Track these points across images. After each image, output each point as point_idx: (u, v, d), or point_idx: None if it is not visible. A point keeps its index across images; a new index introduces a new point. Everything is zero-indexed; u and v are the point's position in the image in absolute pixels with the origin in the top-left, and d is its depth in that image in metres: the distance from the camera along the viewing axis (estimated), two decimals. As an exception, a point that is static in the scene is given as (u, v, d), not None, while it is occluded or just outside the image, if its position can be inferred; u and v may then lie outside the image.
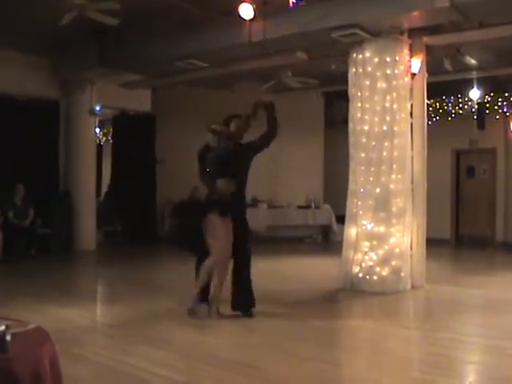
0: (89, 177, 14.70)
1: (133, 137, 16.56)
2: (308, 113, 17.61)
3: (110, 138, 18.94)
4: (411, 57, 9.77)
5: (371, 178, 9.46)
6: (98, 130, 17.04)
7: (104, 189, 18.19)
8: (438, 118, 16.44)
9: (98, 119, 15.48)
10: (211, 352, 5.86)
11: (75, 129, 14.43)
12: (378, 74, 9.45)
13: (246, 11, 9.62)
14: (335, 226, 16.65)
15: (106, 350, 5.94)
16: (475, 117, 16.39)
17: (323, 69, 13.60)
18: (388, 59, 9.48)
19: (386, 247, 9.26)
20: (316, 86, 15.92)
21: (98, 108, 14.47)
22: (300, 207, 17.32)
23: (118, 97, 15.42)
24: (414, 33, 9.78)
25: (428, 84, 10.15)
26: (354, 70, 9.79)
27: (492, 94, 16.02)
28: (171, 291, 9.35)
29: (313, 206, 17.35)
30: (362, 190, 9.52)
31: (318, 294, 8.98)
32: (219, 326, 6.97)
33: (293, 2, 9.64)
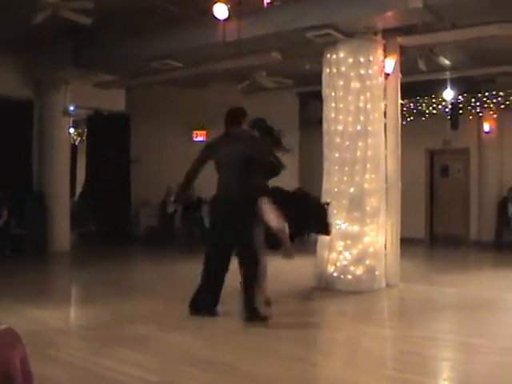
0: (63, 177, 14.61)
1: (107, 137, 16.52)
2: (283, 113, 17.56)
3: (84, 138, 18.86)
4: (385, 57, 9.83)
5: (345, 178, 9.50)
6: (72, 130, 16.97)
7: (78, 189, 18.11)
8: (412, 117, 16.52)
9: (72, 119, 15.41)
10: (187, 352, 5.86)
11: (49, 129, 14.33)
12: (352, 74, 9.50)
13: (221, 11, 9.62)
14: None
15: (81, 351, 5.90)
16: (449, 117, 16.50)
17: (298, 69, 13.64)
18: (362, 59, 9.53)
19: (361, 246, 9.30)
20: (291, 86, 15.95)
21: (72, 108, 14.41)
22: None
23: (92, 97, 15.35)
24: (388, 33, 9.83)
25: (402, 84, 10.21)
26: (328, 70, 9.82)
27: (465, 95, 16.13)
28: (146, 292, 9.34)
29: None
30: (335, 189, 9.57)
31: (294, 294, 9.01)
32: (197, 327, 6.95)
33: (267, 2, 9.66)
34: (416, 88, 14.91)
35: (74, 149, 17.91)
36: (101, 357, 5.60)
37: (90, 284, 10.31)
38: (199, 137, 17.88)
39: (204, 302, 7.25)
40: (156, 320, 7.22)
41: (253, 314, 6.85)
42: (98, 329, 6.84)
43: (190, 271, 11.79)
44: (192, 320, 7.24)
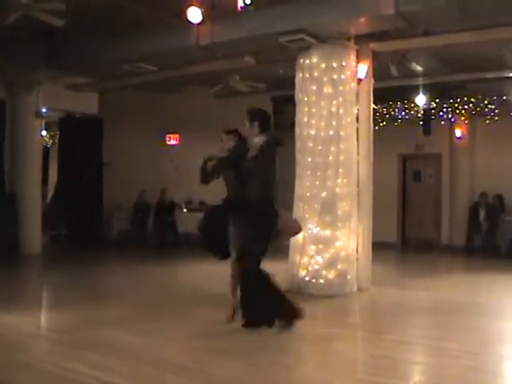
0: (35, 179, 14.48)
1: (80, 139, 16.41)
2: (256, 117, 17.63)
3: (56, 140, 18.73)
4: (358, 62, 9.91)
5: (317, 183, 9.52)
6: (44, 132, 16.84)
7: (51, 192, 17.99)
8: (384, 123, 16.62)
9: (44, 121, 15.30)
10: (158, 356, 5.83)
11: (21, 130, 14.19)
12: (325, 79, 9.54)
13: (194, 15, 9.60)
14: (283, 230, 16.71)
15: (51, 356, 5.86)
16: (421, 122, 16.63)
17: (271, 73, 13.67)
18: (335, 65, 9.58)
19: (332, 251, 9.34)
20: (264, 91, 15.96)
21: (44, 110, 14.31)
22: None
23: (64, 99, 15.24)
24: (361, 39, 9.90)
25: (375, 89, 10.29)
26: (301, 74, 9.86)
27: (437, 100, 16.27)
28: (117, 296, 9.29)
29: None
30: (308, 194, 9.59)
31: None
32: (168, 331, 6.94)
33: (241, 6, 9.66)
34: (389, 93, 15.01)
35: (46, 151, 17.76)
36: (71, 361, 5.57)
37: (61, 288, 10.23)
38: (172, 140, 17.85)
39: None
40: (127, 324, 7.20)
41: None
42: (68, 333, 6.80)
43: (162, 275, 11.86)
44: (163, 324, 7.23)
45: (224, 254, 7.19)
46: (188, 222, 16.71)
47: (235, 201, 6.96)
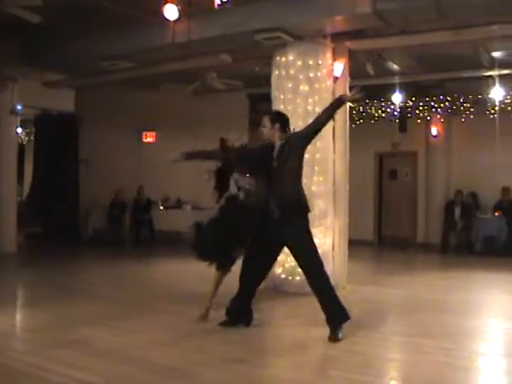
0: (10, 177, 14.34)
1: (56, 137, 16.25)
2: (233, 114, 17.61)
3: (32, 137, 18.59)
4: (334, 60, 9.93)
5: (293, 180, 9.52)
6: (20, 129, 16.72)
7: (26, 189, 17.86)
8: (361, 121, 16.68)
9: (19, 119, 15.17)
10: (134, 355, 5.82)
11: (-4, 128, 14.08)
12: (301, 77, 9.55)
13: (171, 12, 9.59)
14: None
15: (26, 355, 5.81)
16: (397, 120, 16.72)
17: (248, 71, 13.66)
18: (311, 62, 9.59)
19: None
20: (241, 88, 15.97)
21: (19, 107, 14.19)
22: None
23: (40, 96, 15.10)
24: (337, 37, 9.92)
25: (351, 88, 10.30)
26: (277, 72, 9.87)
27: (414, 99, 16.35)
28: (93, 294, 9.25)
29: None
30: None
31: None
32: (145, 329, 6.92)
33: (218, 4, 9.66)
34: (365, 91, 15.04)
35: (21, 148, 17.66)
36: (45, 360, 5.54)
37: (37, 286, 10.15)
38: (149, 138, 17.79)
39: None
40: (104, 322, 7.17)
41: None
42: (44, 332, 6.74)
43: (138, 273, 11.83)
44: (139, 322, 7.22)
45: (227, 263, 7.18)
46: (165, 219, 16.72)
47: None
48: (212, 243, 7.12)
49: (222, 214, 7.31)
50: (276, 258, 7.11)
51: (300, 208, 6.68)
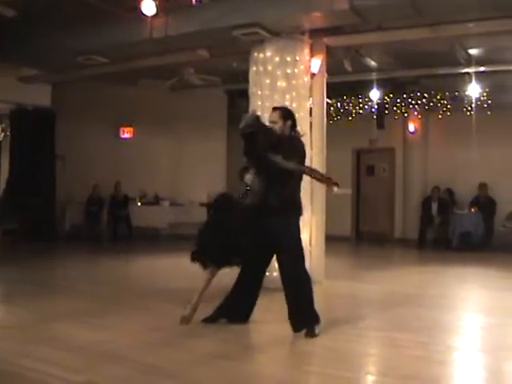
0: (-15, 173, 14.27)
1: (32, 132, 16.11)
2: (211, 110, 17.65)
3: (8, 133, 18.43)
4: (311, 57, 9.94)
5: (271, 176, 9.53)
6: (-6, 124, 16.61)
7: (2, 185, 17.71)
8: (338, 117, 16.74)
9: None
10: (113, 351, 5.78)
11: (-30, 123, 13.97)
12: (279, 73, 9.55)
13: (148, 7, 9.57)
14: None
15: (2, 352, 5.76)
16: (375, 117, 16.80)
17: (226, 67, 13.66)
18: (288, 59, 9.59)
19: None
20: (219, 84, 15.97)
21: (-7, 102, 14.10)
22: (202, 204, 17.23)
23: (16, 91, 14.98)
24: (315, 33, 9.94)
25: (329, 84, 10.34)
26: (254, 68, 9.86)
27: (391, 95, 16.45)
28: (69, 290, 9.19)
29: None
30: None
31: (220, 291, 9.00)
32: (120, 325, 6.90)
33: (195, 0, 9.65)
34: (343, 88, 15.13)
35: (-3, 144, 17.55)
36: (21, 357, 5.47)
37: (13, 282, 10.06)
38: (126, 134, 17.72)
39: None
40: (81, 318, 7.11)
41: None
42: (18, 328, 6.68)
43: (115, 269, 11.79)
44: (117, 318, 7.20)
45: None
46: (142, 215, 16.68)
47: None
48: (209, 246, 6.99)
49: (215, 216, 7.19)
50: (272, 256, 7.06)
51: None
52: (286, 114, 6.76)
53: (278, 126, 6.65)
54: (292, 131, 6.75)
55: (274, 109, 6.94)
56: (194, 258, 6.92)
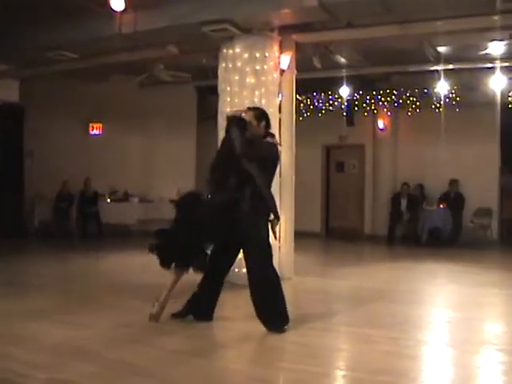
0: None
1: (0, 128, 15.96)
2: (181, 106, 17.60)
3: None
4: (281, 53, 9.96)
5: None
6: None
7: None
8: (308, 114, 16.78)
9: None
10: (81, 348, 5.76)
11: None
12: (248, 69, 9.56)
13: (117, 2, 9.50)
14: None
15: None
16: (345, 114, 16.86)
17: (195, 63, 13.61)
18: (257, 55, 9.60)
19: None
20: (189, 80, 15.92)
21: (-40, 97, 13.92)
22: (172, 201, 17.12)
23: (-18, 86, 14.85)
24: (284, 30, 9.96)
25: (299, 80, 10.37)
26: (224, 64, 9.85)
27: (361, 92, 16.53)
28: (38, 288, 9.12)
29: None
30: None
31: (188, 288, 9.00)
32: (91, 322, 6.86)
33: (165, -5, 9.61)
34: (313, 84, 15.15)
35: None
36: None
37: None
38: (95, 130, 17.60)
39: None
40: (50, 316, 7.08)
41: None
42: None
43: (85, 266, 11.72)
44: (86, 315, 7.16)
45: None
46: (112, 212, 16.59)
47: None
48: (174, 245, 6.95)
49: (180, 214, 7.14)
50: (238, 253, 7.07)
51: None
52: (260, 115, 6.83)
53: (252, 127, 6.70)
54: (266, 133, 6.79)
55: (249, 109, 7.01)
56: (152, 251, 6.91)
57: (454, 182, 15.98)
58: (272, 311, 6.60)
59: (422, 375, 5.21)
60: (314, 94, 16.88)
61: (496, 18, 9.34)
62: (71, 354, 5.53)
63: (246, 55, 9.61)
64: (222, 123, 9.68)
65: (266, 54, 9.66)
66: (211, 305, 7.00)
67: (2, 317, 7.07)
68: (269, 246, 6.69)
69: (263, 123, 6.76)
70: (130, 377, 4.98)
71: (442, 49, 12.45)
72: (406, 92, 16.10)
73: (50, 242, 15.47)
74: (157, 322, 6.79)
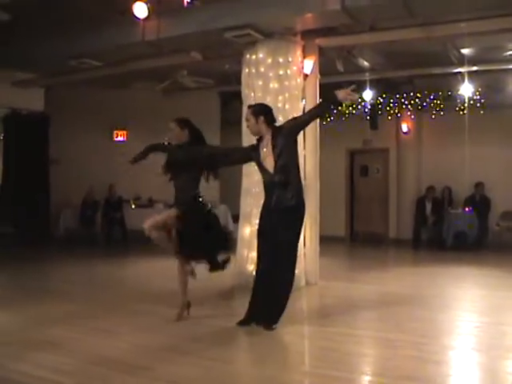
0: (-20, 178, 14.23)
1: (25, 136, 16.08)
2: (204, 112, 17.55)
3: (1, 137, 18.39)
4: (304, 58, 9.95)
5: (265, 177, 9.53)
6: (-13, 129, 16.57)
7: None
8: (332, 118, 16.75)
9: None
10: (107, 355, 5.77)
11: (-36, 128, 13.93)
12: (271, 74, 9.56)
13: (140, 10, 9.57)
14: (231, 226, 16.70)
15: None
16: (368, 117, 16.82)
17: (218, 69, 13.66)
18: (281, 60, 9.60)
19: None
20: (212, 86, 15.98)
21: (-14, 107, 14.07)
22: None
23: (9, 95, 14.93)
24: (307, 34, 9.95)
25: (321, 85, 10.34)
26: (247, 70, 9.87)
27: (384, 96, 16.47)
28: (65, 294, 9.17)
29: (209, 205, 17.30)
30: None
31: (214, 293, 9.03)
32: (116, 328, 6.88)
33: (187, 2, 9.64)
34: (336, 89, 15.07)
35: (-10, 149, 17.48)
36: (14, 362, 5.48)
37: (7, 287, 10.07)
38: (120, 137, 17.70)
39: None
40: (75, 322, 7.12)
41: None
42: (11, 333, 6.67)
43: (110, 272, 11.77)
44: (111, 321, 7.19)
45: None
46: (137, 218, 16.63)
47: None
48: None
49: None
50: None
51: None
52: (257, 111, 6.84)
53: (250, 124, 6.79)
54: (269, 125, 6.79)
55: (248, 107, 7.13)
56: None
57: (479, 185, 15.88)
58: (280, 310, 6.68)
59: (449, 381, 5.16)
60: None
61: (520, 18, 9.29)
62: (97, 361, 5.55)
63: (269, 60, 9.61)
64: (245, 129, 9.70)
65: (290, 59, 9.66)
66: (264, 308, 6.87)
67: (30, 323, 7.12)
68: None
69: (261, 118, 6.75)
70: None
71: (465, 51, 12.38)
72: (430, 95, 16.00)
73: (76, 249, 15.56)
74: (177, 321, 6.97)
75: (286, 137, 6.62)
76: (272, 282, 6.65)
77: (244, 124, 9.68)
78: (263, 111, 6.83)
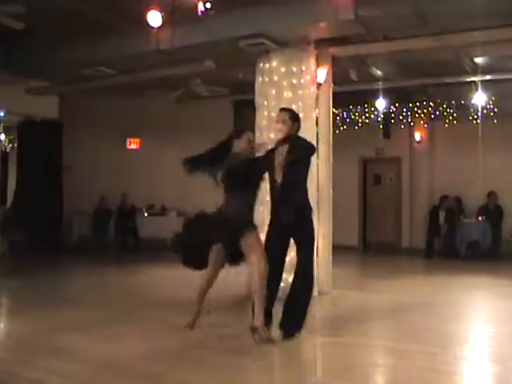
0: (-7, 185, 14.31)
1: (39, 144, 16.14)
2: (217, 121, 17.61)
3: (15, 144, 18.49)
4: (317, 67, 9.96)
5: (278, 187, 9.53)
6: (2, 136, 16.65)
7: (10, 197, 17.76)
8: (345, 127, 16.75)
9: (2, 125, 15.09)
10: (117, 361, 5.78)
11: (-22, 135, 14.02)
12: (285, 83, 9.57)
13: (154, 19, 9.59)
14: (246, 234, 16.76)
15: (7, 363, 5.77)
16: (381, 126, 16.80)
17: (232, 77, 13.70)
18: (294, 69, 9.62)
19: (292, 254, 9.31)
20: (225, 95, 16.01)
21: (1, 113, 14.12)
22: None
23: (23, 102, 15.01)
24: (321, 43, 9.97)
25: (335, 94, 10.35)
26: (260, 79, 9.89)
27: (397, 105, 16.45)
28: (76, 301, 9.19)
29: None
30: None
31: (226, 302, 9.01)
32: (127, 336, 6.90)
33: (201, 11, 9.66)
34: (349, 97, 15.13)
35: (4, 156, 17.58)
36: (28, 368, 5.50)
37: (19, 294, 10.09)
38: (133, 145, 17.77)
39: None
40: (88, 329, 7.13)
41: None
42: (25, 340, 6.69)
43: (123, 280, 11.80)
44: (124, 329, 7.20)
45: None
46: (149, 226, 16.69)
47: None
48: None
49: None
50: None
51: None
52: (295, 116, 6.89)
53: (286, 127, 6.76)
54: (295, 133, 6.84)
55: (282, 109, 7.06)
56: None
57: (492, 195, 15.82)
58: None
59: (463, 391, 5.15)
60: (350, 107, 16.83)
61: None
62: (108, 368, 5.55)
63: (282, 69, 9.63)
64: (259, 137, 9.72)
65: (303, 68, 9.67)
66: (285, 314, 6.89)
67: (41, 329, 7.14)
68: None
69: (296, 124, 6.82)
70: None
71: (478, 59, 12.38)
72: (443, 104, 15.98)
73: (89, 256, 15.60)
74: (191, 329, 6.93)
75: (302, 153, 6.70)
76: (293, 289, 6.71)
77: (257, 132, 9.74)
78: (298, 119, 6.91)
